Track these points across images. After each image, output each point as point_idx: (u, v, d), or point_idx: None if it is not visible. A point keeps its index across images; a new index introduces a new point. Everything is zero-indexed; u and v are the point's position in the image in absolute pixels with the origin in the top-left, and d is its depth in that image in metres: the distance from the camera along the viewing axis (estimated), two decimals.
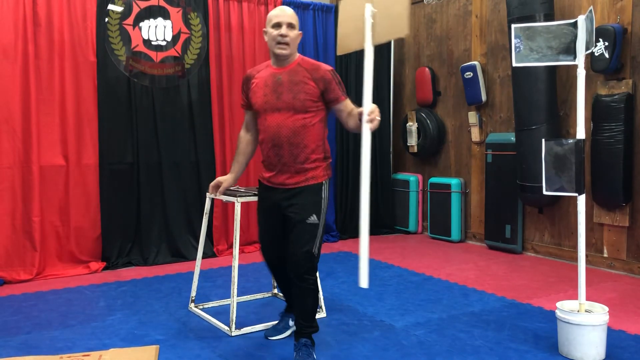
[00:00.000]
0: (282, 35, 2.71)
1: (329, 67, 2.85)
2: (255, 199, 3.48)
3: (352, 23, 2.64)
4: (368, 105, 2.46)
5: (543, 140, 3.05)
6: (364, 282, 2.37)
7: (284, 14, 2.76)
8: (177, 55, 5.24)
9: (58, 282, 4.52)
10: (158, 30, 5.14)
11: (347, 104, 2.84)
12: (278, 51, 2.75)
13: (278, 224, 2.92)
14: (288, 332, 3.24)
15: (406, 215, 6.54)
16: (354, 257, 5.31)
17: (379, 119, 2.47)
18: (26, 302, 3.97)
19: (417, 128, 6.37)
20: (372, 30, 2.53)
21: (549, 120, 4.93)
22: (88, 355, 2.07)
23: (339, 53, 2.83)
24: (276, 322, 3.33)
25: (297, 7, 5.87)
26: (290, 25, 2.75)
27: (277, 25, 2.74)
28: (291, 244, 2.79)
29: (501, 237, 5.52)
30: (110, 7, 4.93)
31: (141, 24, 5.07)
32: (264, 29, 2.82)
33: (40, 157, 4.66)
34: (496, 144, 5.54)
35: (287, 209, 2.83)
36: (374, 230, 6.46)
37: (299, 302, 2.86)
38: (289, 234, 2.83)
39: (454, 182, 6.05)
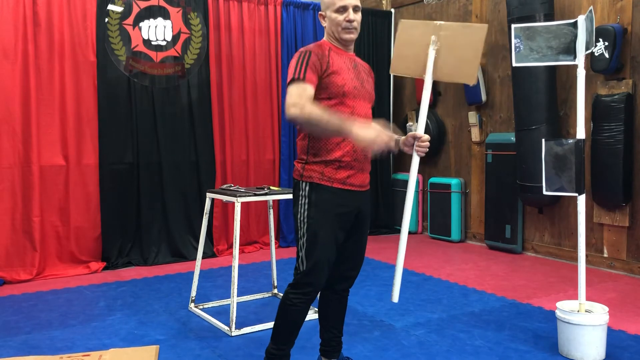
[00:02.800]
0: (349, 21, 2.40)
1: None
2: (256, 199, 3.49)
3: (411, 48, 2.54)
4: (421, 133, 2.43)
5: (543, 140, 3.06)
6: (395, 297, 2.51)
7: None
8: (177, 55, 5.24)
9: (58, 282, 4.52)
10: (158, 30, 5.14)
11: None
12: (346, 36, 2.43)
13: (342, 236, 2.47)
14: None
15: None
16: None
17: (427, 149, 2.44)
18: (26, 302, 3.97)
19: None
20: (435, 65, 2.48)
21: (549, 120, 4.93)
22: (88, 355, 2.07)
23: (391, 72, 2.68)
24: None
25: (297, 7, 5.88)
26: (357, 8, 2.43)
27: (343, 9, 2.40)
28: (359, 253, 2.58)
29: (501, 237, 5.52)
30: (110, 7, 4.93)
31: (141, 24, 5.07)
32: (321, 13, 2.49)
33: (40, 157, 4.66)
34: (496, 144, 5.54)
35: (362, 216, 2.52)
36: (374, 231, 6.47)
37: (341, 314, 2.67)
38: (356, 243, 2.56)
39: (454, 182, 6.05)
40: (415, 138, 2.43)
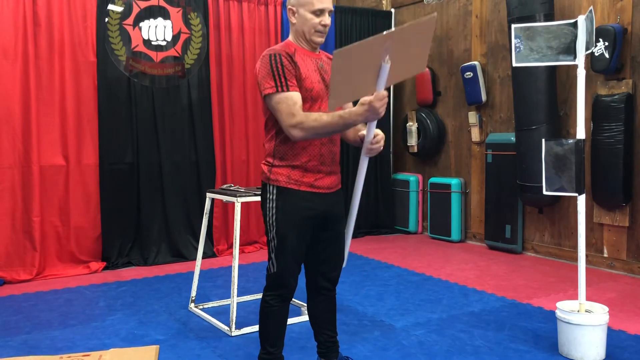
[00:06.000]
0: (324, 25, 2.36)
1: None
2: (256, 199, 3.49)
3: (356, 74, 2.15)
4: (370, 136, 2.30)
5: (543, 140, 3.06)
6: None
7: None
8: (177, 55, 5.24)
9: (58, 282, 4.52)
10: (158, 30, 5.14)
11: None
12: (318, 39, 2.39)
13: (309, 238, 2.47)
14: None
15: (406, 215, 6.54)
16: (353, 257, 5.32)
17: (381, 147, 2.35)
18: (26, 302, 3.97)
19: (417, 128, 6.37)
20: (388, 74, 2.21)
21: (549, 120, 4.93)
22: (88, 355, 2.07)
23: (330, 107, 2.22)
24: None
25: None
26: (330, 12, 2.39)
27: (320, 12, 2.34)
28: (336, 253, 2.57)
29: (501, 237, 5.52)
30: (110, 7, 4.92)
31: (141, 24, 5.07)
32: (291, 7, 2.39)
33: (40, 157, 4.66)
34: (496, 144, 5.54)
35: (333, 217, 2.50)
36: (373, 231, 6.48)
37: (332, 314, 2.66)
38: (332, 245, 2.54)
39: (454, 182, 6.05)
40: (362, 140, 2.36)
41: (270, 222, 2.42)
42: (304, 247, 2.46)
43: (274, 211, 2.41)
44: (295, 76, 2.32)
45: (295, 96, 2.29)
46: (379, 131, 2.33)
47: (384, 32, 2.08)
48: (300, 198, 2.38)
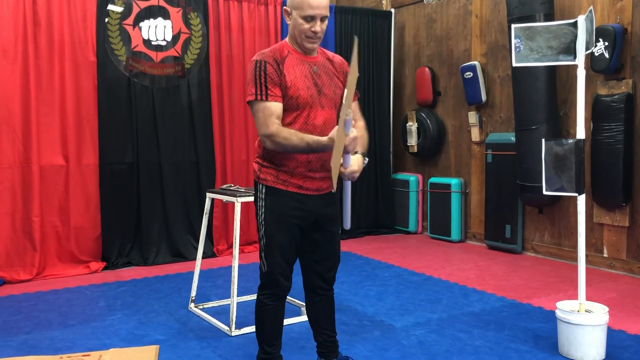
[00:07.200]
0: (314, 32, 2.33)
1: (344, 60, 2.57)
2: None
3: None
4: (347, 160, 2.31)
5: (543, 140, 3.06)
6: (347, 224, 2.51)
7: (320, 4, 2.30)
8: (177, 55, 5.24)
9: (58, 282, 4.52)
10: (158, 30, 5.14)
11: (356, 107, 2.54)
12: (307, 45, 2.37)
13: (299, 238, 2.48)
14: None
15: (406, 215, 6.54)
16: (353, 257, 5.32)
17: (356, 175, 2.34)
18: (26, 302, 3.97)
19: (417, 128, 6.37)
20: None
21: (549, 120, 4.93)
22: (88, 355, 2.07)
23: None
24: None
25: None
26: (324, 18, 2.34)
27: (311, 19, 2.30)
28: (332, 254, 2.57)
29: (501, 237, 5.52)
30: (110, 7, 4.92)
31: (141, 24, 5.07)
32: (287, 8, 2.37)
33: (40, 157, 4.66)
34: (496, 144, 5.54)
35: (325, 218, 2.50)
36: (373, 230, 6.48)
37: (330, 314, 2.67)
38: (326, 245, 2.54)
39: (454, 182, 6.05)
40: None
41: (260, 220, 2.45)
42: (293, 247, 2.46)
43: (263, 210, 2.43)
44: (279, 84, 2.32)
45: (273, 107, 2.30)
46: (353, 165, 2.31)
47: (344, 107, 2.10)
48: (288, 198, 2.40)
